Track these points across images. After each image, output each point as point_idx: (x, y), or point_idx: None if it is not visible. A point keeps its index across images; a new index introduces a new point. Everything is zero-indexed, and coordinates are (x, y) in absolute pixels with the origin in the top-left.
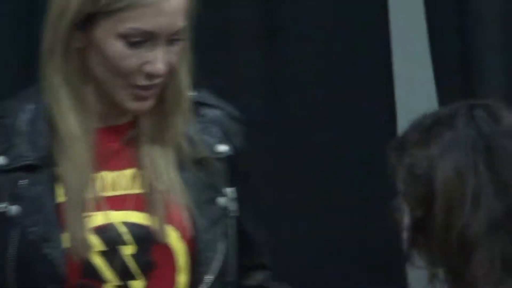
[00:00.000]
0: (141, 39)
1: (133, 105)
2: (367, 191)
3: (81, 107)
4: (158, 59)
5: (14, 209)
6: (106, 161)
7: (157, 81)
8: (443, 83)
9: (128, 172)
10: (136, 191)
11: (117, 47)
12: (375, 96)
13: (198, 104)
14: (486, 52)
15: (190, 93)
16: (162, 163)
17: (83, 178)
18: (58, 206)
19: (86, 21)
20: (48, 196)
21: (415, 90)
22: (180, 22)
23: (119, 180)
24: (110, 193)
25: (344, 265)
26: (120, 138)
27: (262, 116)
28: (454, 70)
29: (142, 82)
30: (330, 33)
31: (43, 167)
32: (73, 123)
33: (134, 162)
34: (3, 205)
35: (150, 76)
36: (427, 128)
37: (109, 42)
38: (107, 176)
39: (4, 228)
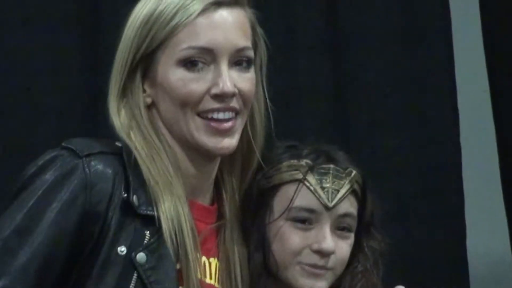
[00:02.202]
0: (200, 60)
1: (213, 142)
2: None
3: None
4: (223, 78)
5: (141, 256)
6: (201, 244)
7: (229, 104)
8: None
9: (213, 262)
10: (217, 284)
11: (178, 74)
12: (439, 102)
13: None
14: None
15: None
16: (238, 259)
17: (195, 257)
18: (177, 271)
19: (145, 66)
20: (170, 258)
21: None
22: (240, 40)
23: (208, 268)
24: (206, 280)
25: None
26: (209, 223)
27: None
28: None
29: (212, 105)
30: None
31: (161, 227)
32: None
33: (216, 251)
34: (123, 248)
35: (218, 97)
36: None
37: (171, 72)
38: (202, 261)
39: (127, 271)
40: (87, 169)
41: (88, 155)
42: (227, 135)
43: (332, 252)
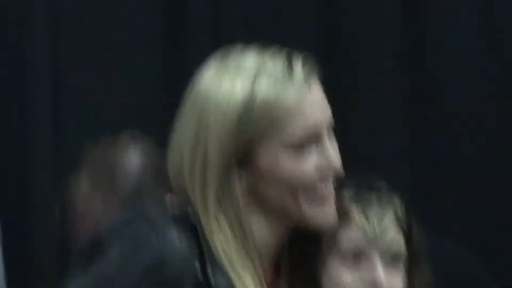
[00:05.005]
0: (308, 141)
1: (320, 216)
2: None
3: (251, 256)
4: (332, 153)
5: None
6: None
7: (332, 176)
8: None
9: None
10: None
11: (288, 160)
12: None
13: None
14: None
15: None
16: None
17: None
18: None
19: (244, 156)
20: None
21: None
22: (329, 109)
23: None
24: None
25: None
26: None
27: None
28: None
29: (320, 183)
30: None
31: None
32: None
33: None
34: None
35: (327, 174)
36: None
37: (278, 160)
38: None
39: None
40: (161, 244)
41: (161, 227)
42: (330, 204)
43: (385, 284)
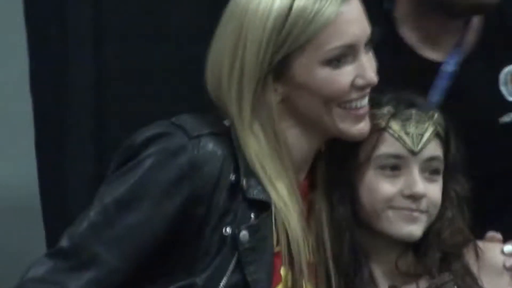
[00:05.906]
0: (344, 56)
1: (356, 129)
2: None
3: (285, 165)
4: (368, 68)
5: (244, 235)
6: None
7: (367, 91)
8: None
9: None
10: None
11: (324, 74)
12: None
13: None
14: None
15: None
16: (327, 229)
17: (303, 242)
18: (274, 255)
19: (279, 68)
20: (270, 242)
21: None
22: (368, 25)
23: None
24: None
25: None
26: (303, 198)
27: None
28: None
29: (354, 95)
30: None
31: (269, 210)
32: (285, 186)
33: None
34: (228, 229)
35: (362, 88)
36: None
37: (315, 72)
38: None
39: (229, 251)
40: (195, 150)
41: (197, 136)
42: (365, 119)
43: (424, 195)
